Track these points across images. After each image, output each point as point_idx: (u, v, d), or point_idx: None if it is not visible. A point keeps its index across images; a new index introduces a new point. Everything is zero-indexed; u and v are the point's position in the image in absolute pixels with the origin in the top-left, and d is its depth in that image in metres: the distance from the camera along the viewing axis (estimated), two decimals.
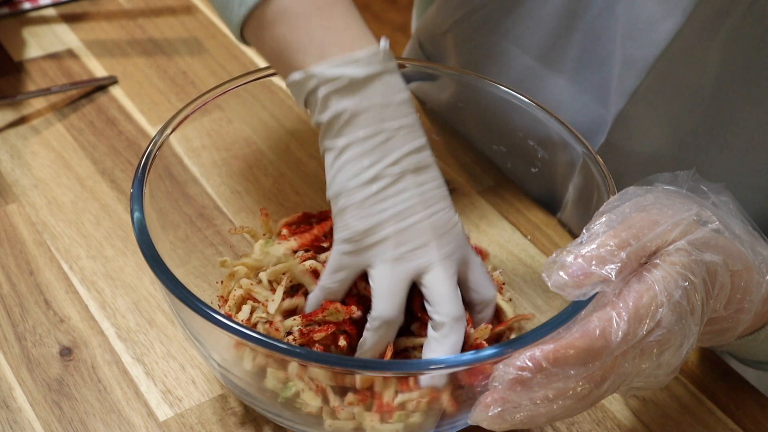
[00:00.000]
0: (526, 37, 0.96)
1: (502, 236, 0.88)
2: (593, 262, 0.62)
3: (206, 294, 0.80)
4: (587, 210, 0.74)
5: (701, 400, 0.82)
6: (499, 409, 0.61)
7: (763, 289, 0.69)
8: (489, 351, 0.61)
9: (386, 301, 0.70)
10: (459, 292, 0.71)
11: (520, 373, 0.60)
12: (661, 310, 0.61)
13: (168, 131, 0.78)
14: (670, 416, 0.81)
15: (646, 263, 0.64)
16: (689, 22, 0.81)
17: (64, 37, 1.19)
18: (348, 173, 0.70)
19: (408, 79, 1.10)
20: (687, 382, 0.84)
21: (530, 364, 0.60)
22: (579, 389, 0.61)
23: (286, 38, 0.72)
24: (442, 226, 0.71)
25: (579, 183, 0.85)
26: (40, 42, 1.17)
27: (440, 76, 0.95)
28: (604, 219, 0.65)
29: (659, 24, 0.83)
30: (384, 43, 0.72)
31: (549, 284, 0.63)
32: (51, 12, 1.23)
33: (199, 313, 0.62)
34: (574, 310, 0.63)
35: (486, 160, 0.94)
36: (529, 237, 0.89)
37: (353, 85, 0.70)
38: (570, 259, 0.63)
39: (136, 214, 0.70)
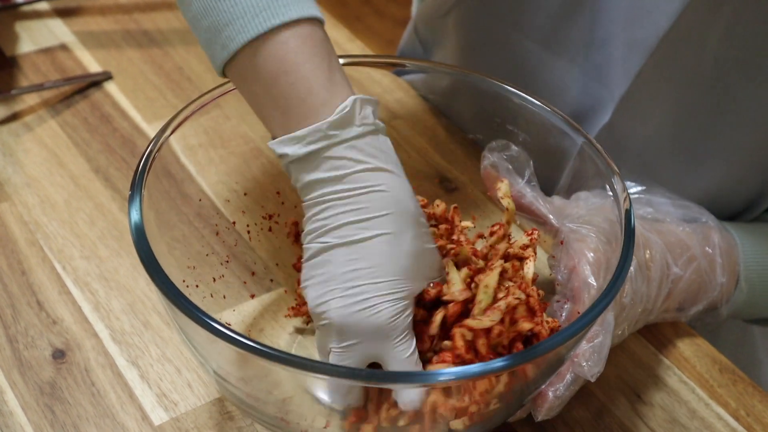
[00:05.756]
0: (526, 20, 0.96)
1: None
2: None
3: (203, 296, 0.78)
4: (584, 189, 0.79)
5: (709, 405, 0.81)
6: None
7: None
8: (498, 363, 0.60)
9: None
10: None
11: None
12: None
13: (167, 133, 0.76)
14: (678, 421, 0.80)
15: None
16: (691, 2, 0.82)
17: (57, 31, 1.17)
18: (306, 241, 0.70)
19: (403, 71, 1.10)
20: (695, 387, 0.83)
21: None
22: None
23: (256, 98, 0.70)
24: (354, 315, 0.66)
25: (575, 168, 0.84)
26: (33, 36, 1.16)
27: (431, 71, 0.95)
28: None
29: (662, 5, 0.83)
30: (345, 107, 0.68)
31: None
32: (44, 6, 1.21)
33: (199, 323, 0.61)
34: (586, 320, 0.64)
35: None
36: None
37: (299, 162, 0.68)
38: None
39: (134, 219, 0.68)
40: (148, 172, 0.73)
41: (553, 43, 0.95)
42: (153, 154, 0.74)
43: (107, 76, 1.10)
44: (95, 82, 1.09)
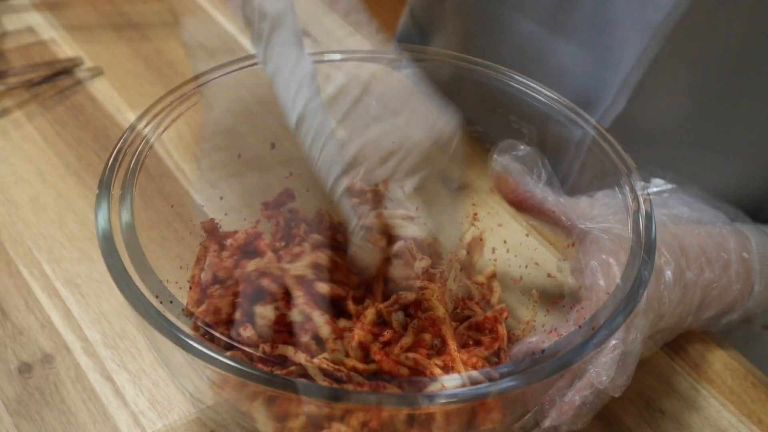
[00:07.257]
0: (529, 1, 0.93)
1: (512, 238, 0.84)
2: None
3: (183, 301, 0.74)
4: (596, 187, 0.77)
5: (720, 412, 0.79)
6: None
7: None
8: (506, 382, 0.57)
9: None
10: None
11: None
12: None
13: (142, 125, 0.74)
14: (690, 429, 0.77)
15: None
16: None
17: (42, 24, 1.15)
18: None
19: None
20: (708, 394, 0.80)
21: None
22: None
23: None
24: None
25: (587, 163, 0.83)
26: (17, 30, 1.13)
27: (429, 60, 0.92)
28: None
29: None
30: None
31: None
32: None
33: (173, 340, 0.58)
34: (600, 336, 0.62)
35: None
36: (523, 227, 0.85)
37: None
38: None
39: (101, 223, 0.65)
40: (117, 170, 0.70)
41: (557, 24, 0.92)
42: (125, 147, 0.72)
43: (99, 72, 1.08)
44: (67, 71, 1.07)
